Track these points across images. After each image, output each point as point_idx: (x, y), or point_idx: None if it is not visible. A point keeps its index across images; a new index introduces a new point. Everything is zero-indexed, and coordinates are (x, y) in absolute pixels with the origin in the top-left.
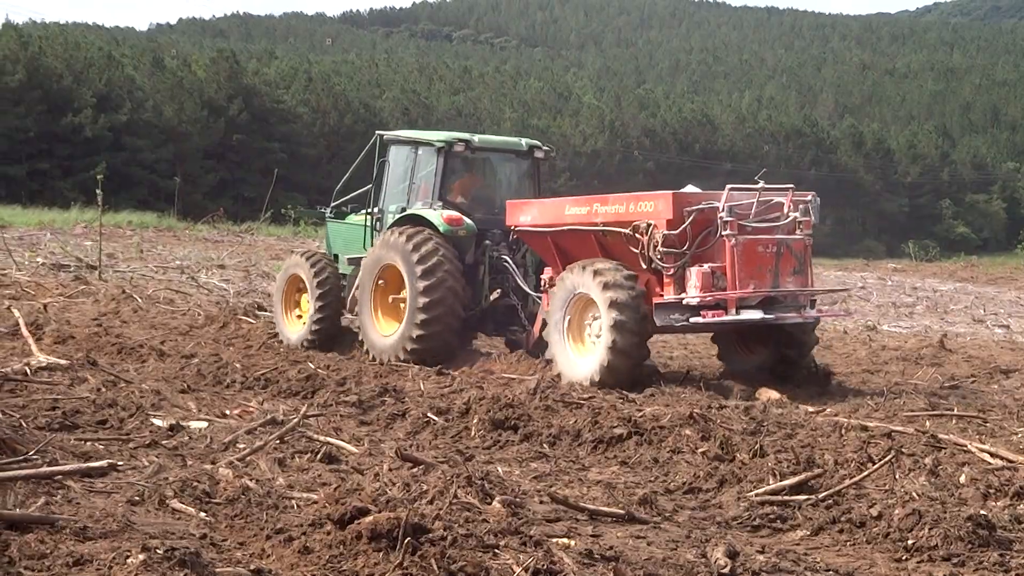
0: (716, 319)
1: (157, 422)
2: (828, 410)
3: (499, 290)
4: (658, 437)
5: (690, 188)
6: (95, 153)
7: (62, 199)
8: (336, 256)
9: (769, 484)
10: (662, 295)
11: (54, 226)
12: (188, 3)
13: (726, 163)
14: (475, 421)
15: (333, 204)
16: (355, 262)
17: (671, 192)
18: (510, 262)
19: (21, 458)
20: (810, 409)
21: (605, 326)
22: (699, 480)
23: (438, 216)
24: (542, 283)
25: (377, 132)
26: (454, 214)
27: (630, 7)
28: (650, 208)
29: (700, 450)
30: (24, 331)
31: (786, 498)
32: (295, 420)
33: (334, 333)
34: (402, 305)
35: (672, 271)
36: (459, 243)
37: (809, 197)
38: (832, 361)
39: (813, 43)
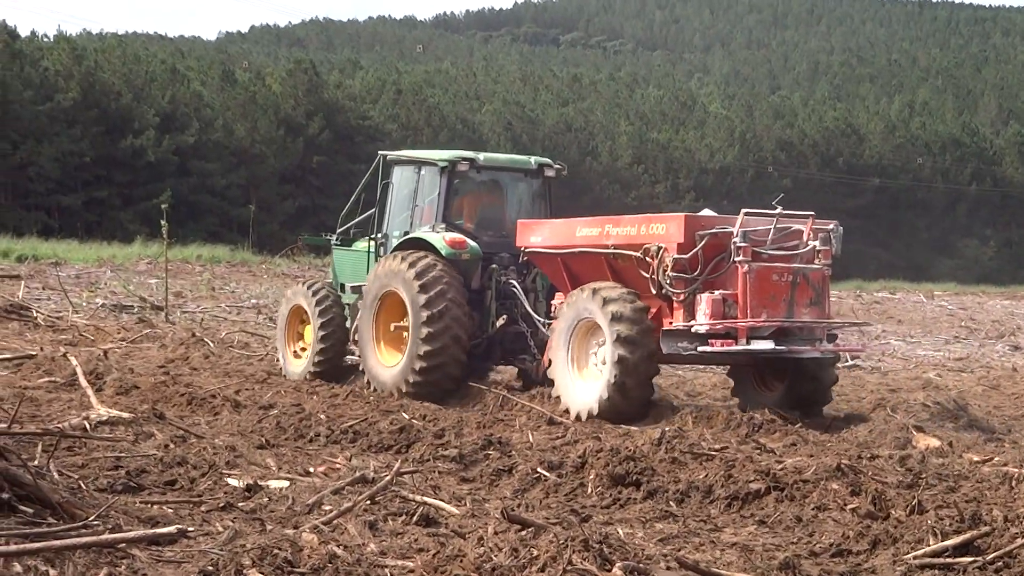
0: (725, 348)
1: (232, 482)
2: (996, 459)
3: (505, 316)
4: (801, 492)
5: (706, 212)
6: (159, 179)
7: (123, 232)
8: (343, 285)
9: (929, 544)
10: (671, 322)
11: (114, 262)
12: (261, 9)
13: (874, 178)
14: (592, 476)
15: (339, 230)
16: (358, 290)
17: (683, 214)
18: (518, 287)
19: (80, 524)
20: (975, 458)
21: (609, 360)
22: (848, 541)
23: (440, 239)
24: (552, 309)
25: (380, 152)
26: (458, 237)
27: (762, 4)
28: (661, 231)
29: (849, 506)
30: (83, 381)
31: (949, 560)
32: (387, 478)
33: (338, 366)
34: (404, 334)
35: (682, 297)
36: (464, 267)
37: (831, 226)
38: (1000, 403)
39: (972, 40)
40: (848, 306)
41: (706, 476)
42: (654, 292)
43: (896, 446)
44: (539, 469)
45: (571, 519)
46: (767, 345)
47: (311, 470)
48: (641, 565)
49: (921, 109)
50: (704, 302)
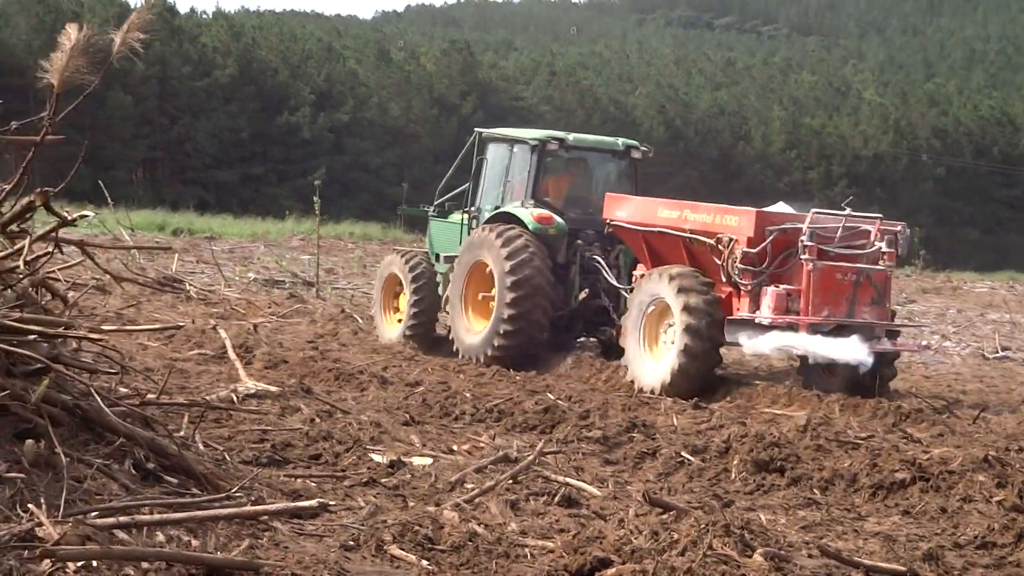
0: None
1: (376, 458)
2: None
3: (587, 290)
4: (946, 483)
5: (780, 206)
6: (313, 157)
7: (277, 208)
8: (438, 256)
9: None
10: (738, 310)
11: (268, 238)
12: None
13: None
14: (735, 462)
15: (436, 202)
16: (451, 260)
17: (755, 210)
18: (602, 262)
19: (224, 495)
20: None
21: (678, 330)
22: (993, 534)
23: (528, 214)
24: (634, 281)
25: (476, 129)
26: (545, 212)
27: None
28: (734, 223)
29: (995, 499)
30: (232, 354)
31: None
32: (531, 458)
33: (431, 333)
34: (491, 304)
35: (749, 288)
36: (550, 242)
37: (899, 228)
38: None
39: None
40: (1000, 297)
41: (851, 464)
42: (724, 280)
43: None
44: (683, 453)
45: (713, 504)
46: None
47: (455, 448)
48: (782, 552)
49: None
50: (769, 295)
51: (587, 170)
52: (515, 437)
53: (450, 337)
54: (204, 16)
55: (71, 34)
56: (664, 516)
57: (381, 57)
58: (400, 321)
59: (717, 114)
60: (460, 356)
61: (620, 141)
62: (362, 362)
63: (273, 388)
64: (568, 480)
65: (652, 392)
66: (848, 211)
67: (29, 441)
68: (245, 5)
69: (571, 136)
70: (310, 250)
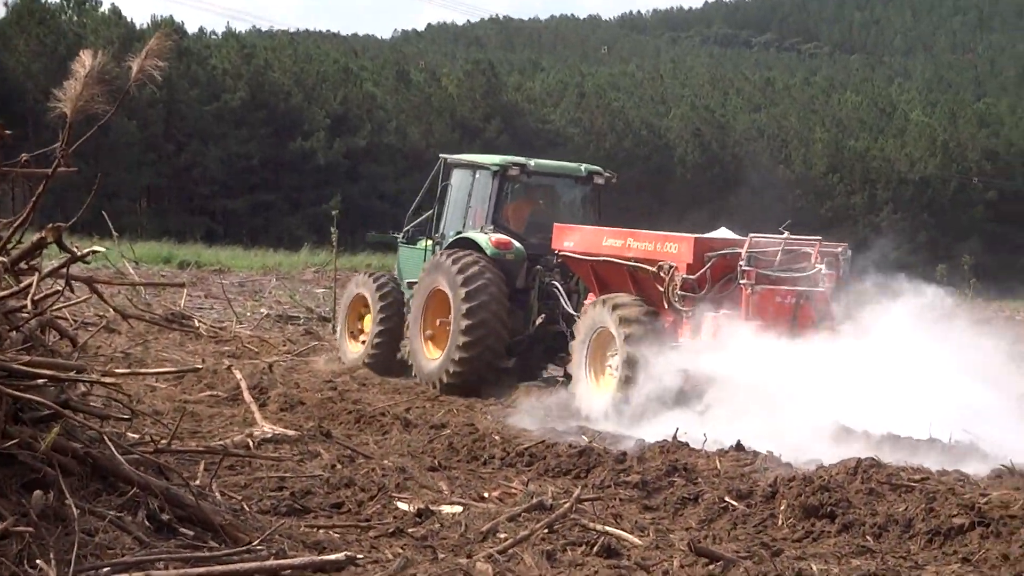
0: None
1: (402, 506)
2: None
3: (543, 315)
4: (1007, 528)
5: (722, 232)
6: (329, 184)
7: (290, 238)
8: (409, 283)
9: None
10: (681, 336)
11: (280, 270)
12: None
13: None
14: (783, 507)
15: (405, 228)
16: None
17: (693, 236)
18: (560, 288)
19: (244, 548)
20: None
21: (620, 358)
22: None
23: (486, 239)
24: (583, 310)
25: (441, 155)
26: (503, 237)
27: (967, 5)
28: (673, 250)
29: None
30: (246, 396)
31: None
32: (567, 505)
33: (393, 358)
34: (449, 329)
35: (690, 314)
36: (507, 267)
37: (839, 249)
38: None
39: None
40: None
41: (905, 509)
42: (666, 307)
43: None
44: (727, 498)
45: (762, 552)
46: None
47: (485, 495)
48: None
49: None
50: (709, 320)
51: (549, 196)
52: (548, 482)
53: (409, 362)
54: (214, 37)
55: (86, 61)
56: (711, 567)
57: (400, 79)
58: (363, 343)
59: (755, 136)
60: (418, 381)
61: (583, 167)
62: (383, 403)
63: (291, 432)
64: (607, 528)
65: (598, 419)
66: (786, 235)
67: (37, 492)
68: (257, 25)
69: (532, 162)
70: (325, 283)
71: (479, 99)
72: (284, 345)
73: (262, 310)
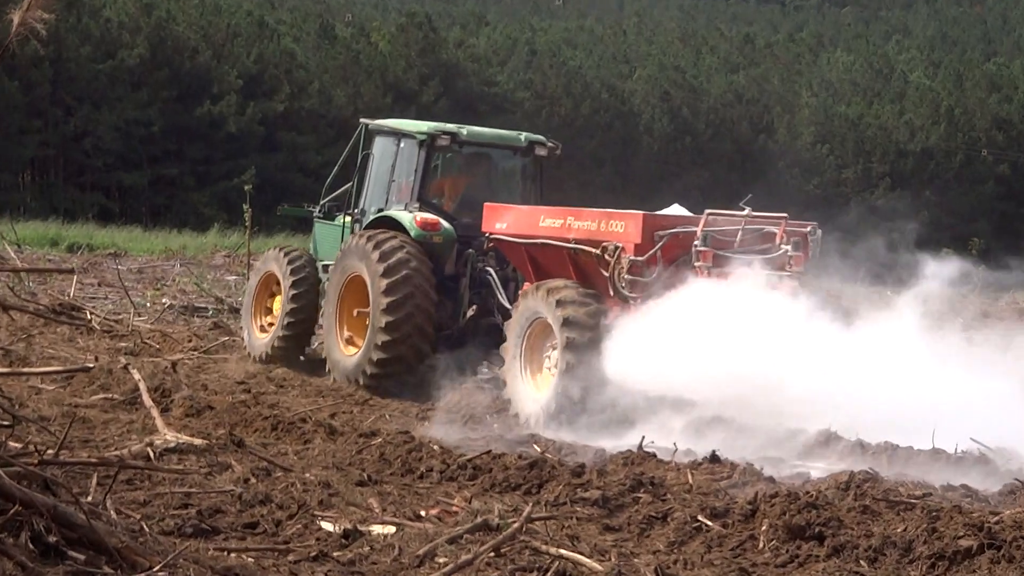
0: None
1: (326, 526)
2: None
3: (475, 307)
4: (1021, 551)
5: (675, 209)
6: (241, 155)
7: (196, 218)
8: (324, 264)
9: None
10: None
11: (185, 254)
12: None
13: None
14: (764, 527)
15: (322, 202)
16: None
17: (642, 213)
18: (494, 276)
19: (143, 574)
20: None
21: (559, 348)
22: None
23: (411, 219)
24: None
25: (362, 120)
26: (431, 217)
27: None
28: (620, 229)
29: None
30: (146, 399)
31: None
32: (516, 525)
33: (302, 349)
34: (367, 321)
35: (638, 301)
36: (435, 251)
37: (808, 228)
38: None
39: None
40: None
41: (905, 529)
42: (612, 294)
43: None
44: (699, 517)
45: None
46: None
47: (422, 513)
48: None
49: None
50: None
51: (484, 169)
52: (495, 499)
53: (323, 356)
54: None
55: None
56: None
57: (324, 35)
58: (270, 327)
59: (733, 102)
60: (332, 379)
61: (523, 136)
62: (305, 407)
63: (197, 441)
64: (562, 552)
65: (536, 423)
66: (748, 211)
67: None
68: None
69: (465, 129)
70: (237, 269)
71: (414, 58)
72: (190, 341)
73: (164, 300)
